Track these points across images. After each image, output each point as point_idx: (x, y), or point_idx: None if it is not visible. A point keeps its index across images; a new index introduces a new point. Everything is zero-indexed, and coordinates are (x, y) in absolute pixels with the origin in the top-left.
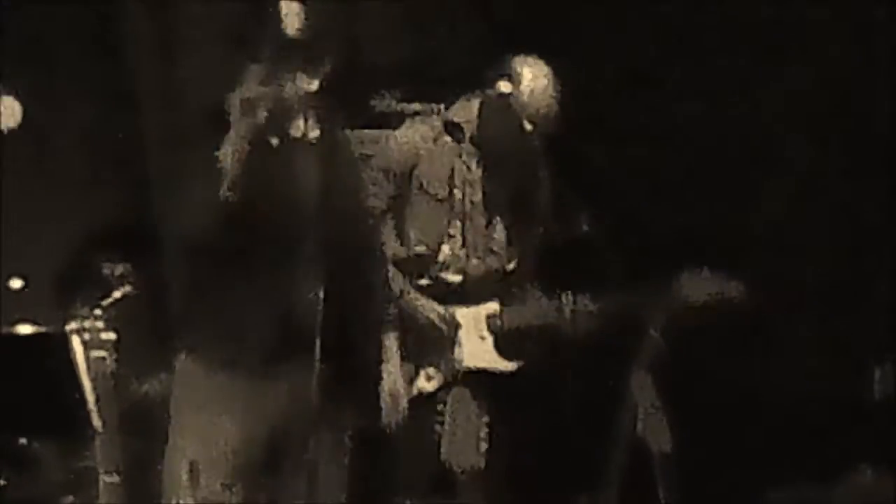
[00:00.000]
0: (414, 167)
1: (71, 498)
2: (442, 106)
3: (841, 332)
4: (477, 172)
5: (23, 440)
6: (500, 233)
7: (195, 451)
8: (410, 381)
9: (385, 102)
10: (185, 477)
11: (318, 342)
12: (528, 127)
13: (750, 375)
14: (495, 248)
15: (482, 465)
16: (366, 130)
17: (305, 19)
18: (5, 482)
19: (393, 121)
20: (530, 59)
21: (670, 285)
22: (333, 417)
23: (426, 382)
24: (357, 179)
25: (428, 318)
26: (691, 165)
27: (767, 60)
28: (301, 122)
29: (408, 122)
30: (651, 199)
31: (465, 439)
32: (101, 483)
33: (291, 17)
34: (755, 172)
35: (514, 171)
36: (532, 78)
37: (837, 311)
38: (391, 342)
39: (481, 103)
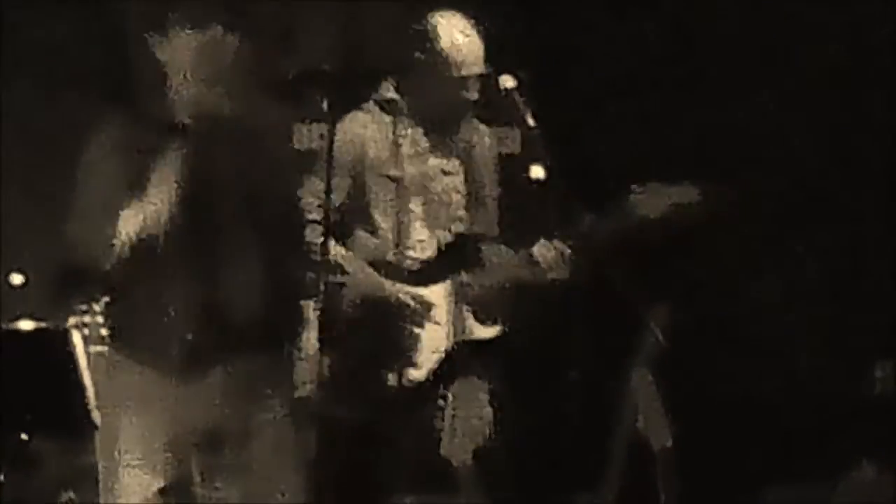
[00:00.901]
0: (363, 155)
1: (71, 493)
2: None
3: (842, 330)
4: (422, 142)
5: (23, 436)
6: (456, 197)
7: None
8: (400, 373)
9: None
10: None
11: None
12: (453, 78)
13: (751, 373)
14: (456, 214)
15: (483, 460)
16: None
17: None
18: (5, 478)
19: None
20: (446, 14)
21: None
22: (273, 411)
23: (416, 372)
24: (283, 164)
25: (401, 303)
26: (691, 164)
27: (767, 60)
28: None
29: (348, 115)
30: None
31: (466, 434)
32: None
33: None
34: (755, 172)
35: (454, 129)
36: (450, 32)
37: (839, 309)
38: (309, 310)
39: (405, 72)
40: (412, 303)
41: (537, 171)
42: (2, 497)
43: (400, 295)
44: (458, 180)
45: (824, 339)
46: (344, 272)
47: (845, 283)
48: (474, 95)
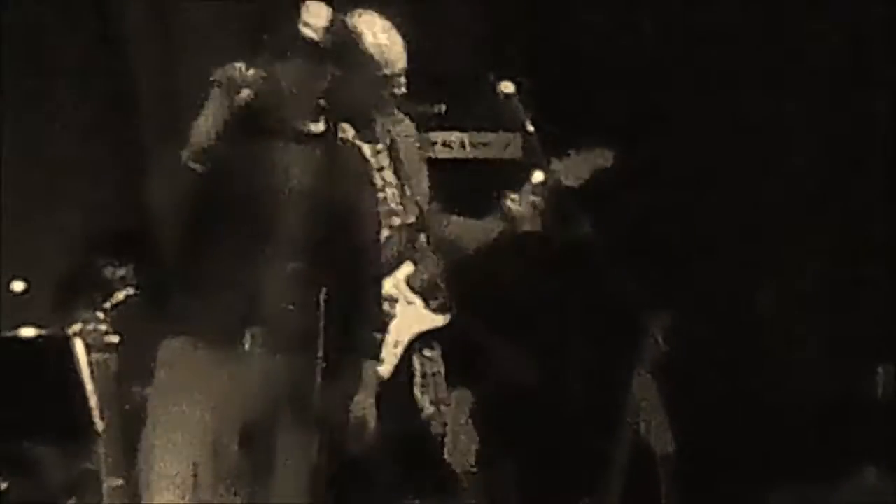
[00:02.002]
0: None
1: (73, 500)
2: (444, 106)
3: (844, 332)
4: (352, 136)
5: (25, 443)
6: (390, 191)
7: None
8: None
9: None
10: (181, 474)
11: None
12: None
13: (753, 376)
14: (391, 209)
15: (485, 466)
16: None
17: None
18: (8, 485)
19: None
20: (365, 15)
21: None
22: (303, 413)
23: (383, 367)
24: (357, 184)
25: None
26: (691, 165)
27: (767, 61)
28: (307, 116)
29: None
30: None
31: (467, 440)
32: (103, 486)
33: (313, 17)
34: (756, 173)
35: (382, 125)
36: (371, 32)
37: (840, 311)
38: (369, 368)
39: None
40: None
41: (538, 177)
42: None
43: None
44: (388, 175)
45: (826, 342)
46: None
47: (847, 286)
48: (402, 90)
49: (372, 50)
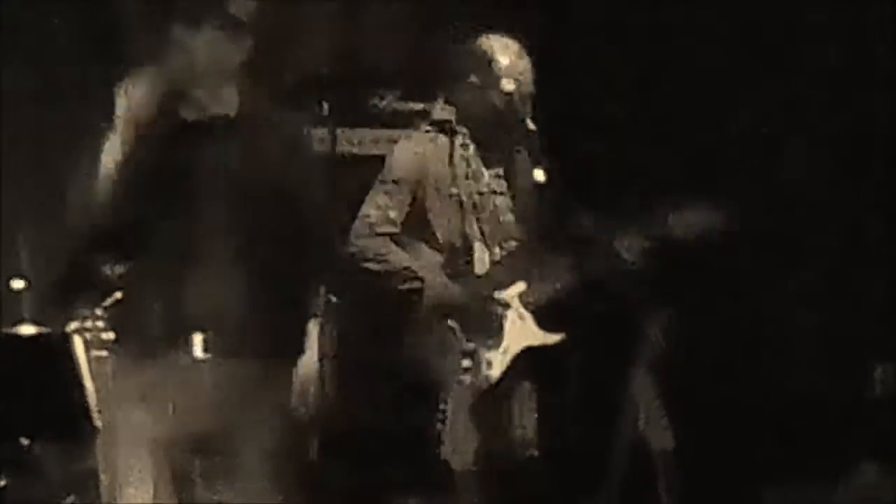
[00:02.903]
0: (425, 173)
1: (72, 498)
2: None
3: (842, 330)
4: (476, 161)
5: (24, 441)
6: (507, 214)
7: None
8: (468, 371)
9: (384, 102)
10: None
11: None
12: (505, 99)
13: (752, 374)
14: (508, 230)
15: (483, 464)
16: (363, 129)
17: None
18: (6, 483)
19: (397, 121)
20: (499, 37)
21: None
22: (258, 410)
23: (490, 370)
24: (282, 160)
25: (481, 306)
26: (691, 165)
27: (767, 61)
28: (222, 96)
29: (403, 135)
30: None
31: (465, 437)
32: (102, 484)
33: None
34: (755, 174)
35: (504, 148)
36: (505, 55)
37: (839, 309)
38: (313, 330)
39: (455, 93)
40: (492, 304)
41: (538, 175)
42: (4, 502)
43: (477, 297)
44: (507, 200)
45: (825, 341)
46: (418, 279)
47: (846, 285)
48: (530, 125)
49: (504, 72)
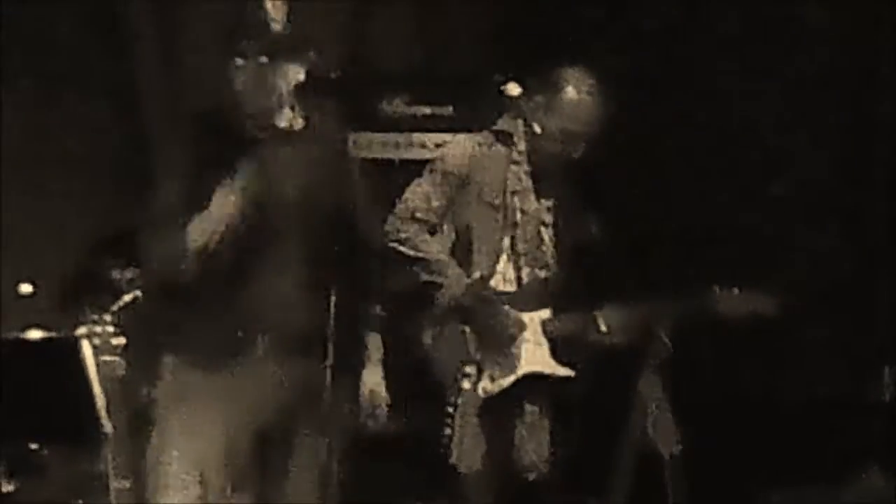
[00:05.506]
0: (473, 176)
1: (81, 502)
2: (451, 108)
3: (848, 333)
4: (527, 182)
5: (33, 445)
6: (548, 243)
7: (188, 453)
8: (474, 382)
9: (393, 106)
10: (190, 479)
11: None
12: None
13: (758, 377)
14: (544, 259)
15: (490, 468)
16: (378, 134)
17: (290, 15)
18: (16, 486)
19: (402, 124)
20: (574, 71)
21: (695, 298)
22: (313, 418)
23: (490, 383)
24: (344, 175)
25: (495, 318)
26: (694, 170)
27: (767, 60)
28: (288, 113)
29: (460, 135)
30: (657, 203)
31: (473, 442)
32: (111, 488)
33: (276, 12)
34: (758, 176)
35: (560, 182)
36: (576, 88)
37: (845, 312)
38: (373, 342)
39: (524, 115)
40: (506, 320)
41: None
42: None
43: (495, 308)
44: (550, 232)
45: (832, 343)
46: (441, 274)
47: (853, 287)
48: (578, 154)
49: (566, 106)
